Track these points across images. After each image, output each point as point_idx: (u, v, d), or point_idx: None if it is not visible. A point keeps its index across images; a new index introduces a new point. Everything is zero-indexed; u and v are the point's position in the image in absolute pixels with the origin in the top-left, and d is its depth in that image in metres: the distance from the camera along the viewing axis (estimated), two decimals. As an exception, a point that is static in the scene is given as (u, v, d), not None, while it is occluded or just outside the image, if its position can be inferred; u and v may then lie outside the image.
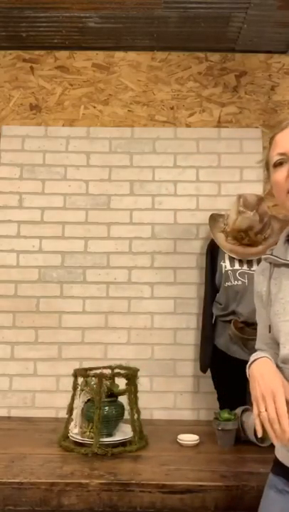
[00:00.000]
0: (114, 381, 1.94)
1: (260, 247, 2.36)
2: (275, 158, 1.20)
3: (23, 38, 2.70)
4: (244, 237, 2.34)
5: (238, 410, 1.98)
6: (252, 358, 1.24)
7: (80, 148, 2.76)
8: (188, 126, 2.78)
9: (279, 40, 2.69)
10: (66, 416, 1.95)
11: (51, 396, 2.59)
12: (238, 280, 2.36)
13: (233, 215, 2.37)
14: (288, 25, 2.54)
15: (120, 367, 2.01)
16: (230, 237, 2.39)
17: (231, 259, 2.40)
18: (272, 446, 1.27)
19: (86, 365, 2.28)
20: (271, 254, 1.27)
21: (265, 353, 1.23)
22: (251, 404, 1.72)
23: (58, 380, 2.61)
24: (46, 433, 2.10)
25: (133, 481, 1.54)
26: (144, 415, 2.03)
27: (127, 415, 1.93)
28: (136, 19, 2.52)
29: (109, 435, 1.89)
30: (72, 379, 1.97)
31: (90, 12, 2.46)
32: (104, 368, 2.00)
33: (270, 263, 1.27)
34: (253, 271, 2.35)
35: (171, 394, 2.60)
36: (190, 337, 2.63)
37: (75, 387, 1.94)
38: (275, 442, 1.08)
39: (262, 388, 1.10)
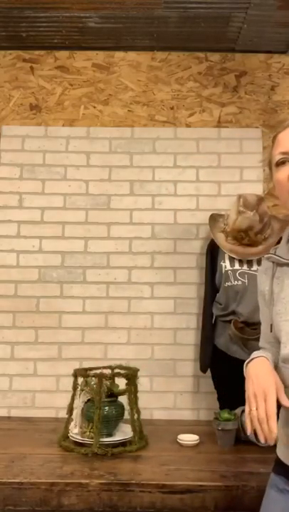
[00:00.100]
0: (114, 381, 1.94)
1: (260, 247, 2.36)
2: (277, 157, 1.20)
3: (23, 38, 2.70)
4: (244, 237, 2.34)
5: (238, 410, 1.98)
6: (250, 357, 1.25)
7: (80, 148, 2.76)
8: (188, 126, 2.78)
9: (279, 40, 2.69)
10: (66, 416, 1.95)
11: (51, 396, 2.59)
12: (238, 280, 2.36)
13: (233, 215, 2.37)
14: (288, 25, 2.54)
15: (120, 367, 2.01)
16: (230, 237, 2.39)
17: (231, 259, 2.40)
18: (272, 446, 1.27)
19: (86, 365, 2.28)
20: (274, 254, 1.27)
21: (263, 353, 1.24)
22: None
23: (58, 380, 2.61)
24: (46, 433, 2.10)
25: (133, 481, 1.54)
26: (144, 415, 2.03)
27: (127, 415, 1.93)
28: (136, 19, 2.52)
29: (109, 435, 1.89)
30: (72, 379, 1.97)
31: (90, 12, 2.46)
32: (105, 367, 2.00)
33: (273, 262, 1.27)
34: (253, 271, 2.35)
35: (171, 394, 2.60)
36: (190, 337, 2.63)
37: (75, 387, 1.94)
38: (263, 441, 1.10)
39: (255, 387, 1.12)
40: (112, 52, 2.81)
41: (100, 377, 1.87)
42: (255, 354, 1.24)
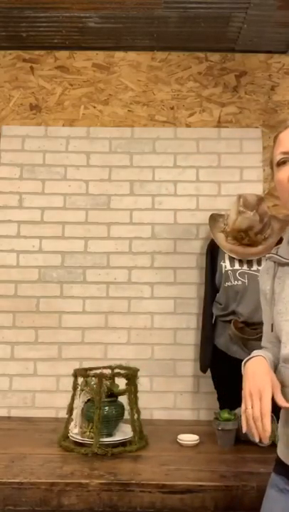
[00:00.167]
0: (114, 381, 1.94)
1: (260, 247, 2.36)
2: (278, 157, 1.20)
3: (23, 38, 2.70)
4: (244, 237, 2.34)
5: (238, 410, 1.98)
6: (249, 356, 1.25)
7: (80, 148, 2.76)
8: (188, 126, 2.78)
9: (279, 40, 2.69)
10: (66, 416, 1.95)
11: (51, 396, 2.59)
12: (238, 280, 2.36)
13: (233, 215, 2.37)
14: (288, 25, 2.54)
15: (120, 367, 2.01)
16: (230, 237, 2.39)
17: (231, 259, 2.40)
18: (272, 446, 1.27)
19: (86, 365, 2.28)
20: (276, 254, 1.27)
21: (262, 352, 1.24)
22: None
23: (58, 380, 2.61)
24: (46, 433, 2.10)
25: (133, 481, 1.54)
26: (144, 415, 2.03)
27: (127, 415, 1.93)
28: (136, 19, 2.52)
29: (109, 435, 1.89)
30: (72, 379, 1.97)
31: (90, 12, 2.46)
32: (104, 367, 2.00)
33: (275, 262, 1.27)
34: (253, 271, 2.35)
35: (171, 394, 2.60)
36: (190, 337, 2.63)
37: (75, 387, 1.94)
38: (257, 440, 1.11)
39: (251, 386, 1.13)
40: (112, 52, 2.81)
41: (100, 377, 1.87)
42: (253, 353, 1.25)
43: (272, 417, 1.87)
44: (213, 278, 2.47)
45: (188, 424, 2.34)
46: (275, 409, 1.25)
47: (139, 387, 1.97)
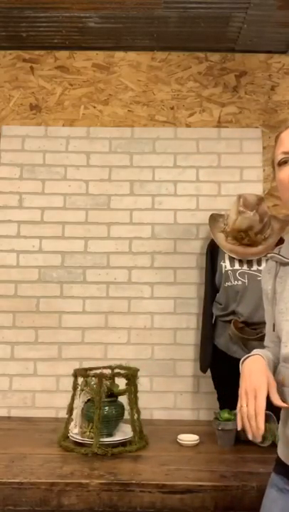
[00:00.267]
0: (114, 381, 1.94)
1: (260, 247, 2.36)
2: (279, 156, 1.21)
3: (23, 38, 2.70)
4: (244, 237, 2.34)
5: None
6: (247, 354, 1.26)
7: (80, 148, 2.76)
8: (188, 126, 2.78)
9: (279, 40, 2.69)
10: (66, 416, 1.95)
11: (51, 396, 2.59)
12: (238, 280, 2.36)
13: (233, 215, 2.37)
14: (288, 25, 2.54)
15: (120, 367, 2.01)
16: (230, 237, 2.39)
17: (231, 259, 2.40)
18: (272, 446, 1.27)
19: (86, 365, 2.28)
20: (278, 254, 1.28)
21: (260, 351, 1.25)
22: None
23: (58, 380, 2.61)
24: (46, 433, 2.10)
25: (133, 481, 1.54)
26: (144, 415, 2.03)
27: (127, 415, 1.93)
28: (136, 19, 2.52)
29: (109, 435, 1.89)
30: (72, 379, 1.97)
31: (90, 12, 2.46)
32: (105, 367, 2.00)
33: (276, 262, 1.28)
34: (253, 271, 2.35)
35: (171, 394, 2.60)
36: (190, 337, 2.63)
37: (75, 387, 1.94)
38: (251, 438, 1.13)
39: (247, 385, 1.15)
40: (112, 52, 2.81)
41: (100, 377, 1.87)
42: (252, 352, 1.25)
43: (272, 417, 1.88)
44: (213, 278, 2.47)
45: (188, 424, 2.34)
46: (275, 409, 1.26)
47: (139, 387, 1.97)
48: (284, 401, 1.15)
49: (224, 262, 2.42)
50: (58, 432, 1.99)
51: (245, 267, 2.38)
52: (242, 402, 1.14)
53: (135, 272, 2.68)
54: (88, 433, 1.86)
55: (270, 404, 1.13)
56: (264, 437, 1.89)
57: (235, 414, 1.92)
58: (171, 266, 2.68)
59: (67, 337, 2.64)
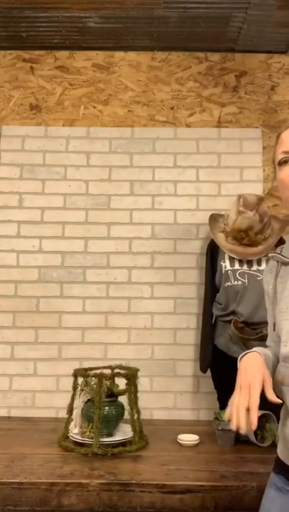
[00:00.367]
0: (114, 381, 1.94)
1: (260, 247, 2.36)
2: (280, 156, 1.21)
3: (23, 38, 2.70)
4: (244, 237, 2.34)
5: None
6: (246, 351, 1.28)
7: (80, 148, 2.76)
8: (188, 126, 2.78)
9: (279, 40, 2.68)
10: (66, 416, 1.95)
11: (51, 396, 2.59)
12: (238, 280, 2.36)
13: (233, 215, 2.37)
14: (288, 25, 2.54)
15: (120, 367, 2.01)
16: (230, 237, 2.39)
17: (231, 259, 2.40)
18: (272, 446, 1.27)
19: (86, 365, 2.28)
20: (279, 253, 1.28)
21: (259, 349, 1.26)
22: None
23: (58, 380, 2.61)
24: (46, 433, 2.10)
25: (133, 481, 1.54)
26: (144, 415, 2.03)
27: (127, 415, 1.93)
28: (136, 19, 2.52)
29: (109, 435, 1.89)
30: (72, 379, 1.97)
31: (90, 12, 2.46)
32: (105, 367, 2.00)
33: (278, 262, 1.28)
34: (253, 271, 2.35)
35: (171, 394, 2.60)
36: (190, 337, 2.63)
37: (75, 387, 1.94)
38: (234, 428, 1.14)
39: (242, 380, 1.16)
40: (112, 52, 2.81)
41: (100, 377, 1.87)
42: (251, 350, 1.26)
43: (272, 417, 1.88)
44: (213, 278, 2.47)
45: (188, 424, 2.34)
46: (275, 409, 1.26)
47: (139, 387, 1.97)
48: (283, 400, 1.16)
49: (224, 262, 2.42)
50: (58, 431, 1.99)
51: (245, 267, 2.38)
52: (236, 395, 1.15)
53: (135, 271, 2.68)
54: (88, 433, 1.86)
55: (270, 405, 1.13)
56: (264, 437, 1.89)
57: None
58: (171, 266, 2.68)
59: (67, 337, 2.64)
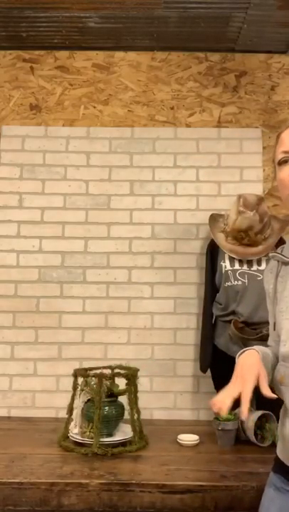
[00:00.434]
0: (114, 381, 1.94)
1: (260, 247, 2.36)
2: (279, 156, 1.22)
3: (23, 38, 2.70)
4: (244, 237, 2.34)
5: (238, 410, 1.98)
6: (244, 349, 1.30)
7: (80, 148, 2.76)
8: (188, 126, 2.78)
9: (279, 40, 2.68)
10: (66, 416, 1.95)
11: (51, 396, 2.59)
12: (238, 280, 2.36)
13: (233, 215, 2.37)
14: (288, 25, 2.54)
15: (120, 367, 2.01)
16: (230, 237, 2.39)
17: (231, 259, 2.40)
18: (272, 446, 1.27)
19: (86, 365, 2.28)
20: (280, 253, 1.28)
21: (257, 347, 1.27)
22: (251, 405, 1.73)
23: (58, 380, 2.61)
24: (46, 433, 2.10)
25: (133, 481, 1.54)
26: (144, 415, 2.03)
27: (127, 415, 1.93)
28: (136, 19, 2.52)
29: (109, 435, 1.89)
30: (72, 379, 1.97)
31: (90, 12, 2.46)
32: (105, 367, 2.00)
33: (278, 261, 1.28)
34: (253, 271, 2.35)
35: (171, 394, 2.60)
36: (190, 337, 2.63)
37: (75, 387, 1.94)
38: (215, 410, 1.16)
39: (238, 375, 1.19)
40: (112, 52, 2.81)
41: (100, 377, 1.88)
42: (250, 347, 1.28)
43: (272, 417, 1.88)
44: (213, 278, 2.47)
45: (188, 424, 2.34)
46: (274, 409, 1.26)
47: (139, 387, 1.97)
48: (282, 399, 1.16)
49: (224, 262, 2.42)
50: (58, 431, 1.99)
51: (245, 267, 2.38)
52: (228, 386, 1.18)
53: (135, 272, 2.68)
54: (88, 433, 1.86)
55: (270, 404, 1.14)
56: (264, 437, 1.90)
57: (235, 414, 1.93)
58: (171, 266, 2.68)
59: (67, 337, 2.64)
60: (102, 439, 1.81)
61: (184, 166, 2.74)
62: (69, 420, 1.94)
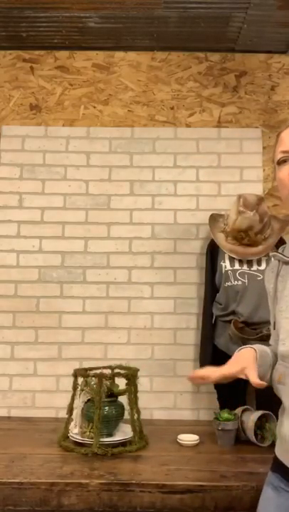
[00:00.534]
0: (114, 381, 1.94)
1: (260, 247, 2.36)
2: (279, 155, 1.22)
3: (23, 38, 2.70)
4: (244, 237, 2.34)
5: (238, 410, 1.98)
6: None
7: (80, 148, 2.76)
8: (188, 126, 2.78)
9: (279, 40, 2.69)
10: (66, 416, 1.95)
11: (51, 396, 2.59)
12: (238, 280, 2.36)
13: (233, 215, 2.37)
14: (288, 25, 2.54)
15: (120, 367, 2.00)
16: (230, 237, 2.39)
17: (231, 259, 2.40)
18: (272, 446, 1.27)
19: (86, 365, 2.28)
20: (281, 253, 1.29)
21: (256, 345, 1.28)
22: (251, 405, 1.74)
23: (58, 380, 2.61)
24: (46, 433, 2.10)
25: (133, 481, 1.54)
26: (144, 415, 2.03)
27: (127, 415, 1.93)
28: (136, 19, 2.52)
29: (109, 435, 1.89)
30: (72, 379, 1.97)
31: (90, 12, 2.46)
32: (105, 368, 2.00)
33: (279, 261, 1.29)
34: (253, 271, 2.35)
35: (171, 394, 2.60)
36: (190, 337, 2.63)
37: (75, 387, 1.94)
38: (190, 374, 1.28)
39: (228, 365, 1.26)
40: (112, 52, 2.81)
41: (100, 377, 1.87)
42: (248, 345, 1.31)
43: (272, 416, 1.88)
44: (213, 278, 2.47)
45: (188, 424, 2.34)
46: (274, 409, 1.26)
47: (139, 387, 1.97)
48: (280, 398, 1.17)
49: (224, 262, 2.42)
50: (58, 432, 1.99)
51: (245, 267, 2.38)
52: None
53: (135, 272, 2.68)
54: (88, 433, 1.85)
55: (270, 405, 1.14)
56: (264, 437, 1.89)
57: (235, 414, 1.93)
58: (171, 266, 2.68)
59: (67, 337, 2.64)
60: (102, 439, 1.81)
61: (183, 166, 2.74)
62: (69, 420, 1.93)
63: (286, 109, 2.78)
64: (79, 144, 2.76)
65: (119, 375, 1.94)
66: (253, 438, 1.89)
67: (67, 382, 2.08)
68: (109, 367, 2.00)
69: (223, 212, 2.56)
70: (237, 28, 2.58)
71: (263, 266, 2.35)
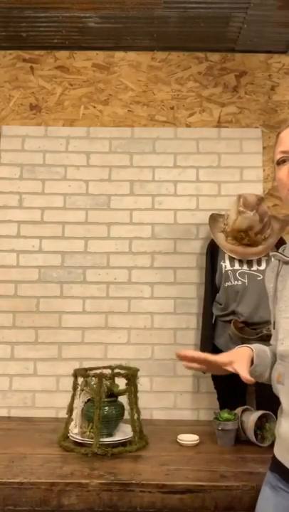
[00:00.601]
0: (114, 381, 1.94)
1: (260, 247, 2.36)
2: (278, 156, 1.22)
3: (23, 38, 2.70)
4: (244, 237, 2.34)
5: (238, 410, 1.98)
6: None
7: (80, 148, 2.76)
8: (188, 126, 2.78)
9: (279, 40, 2.69)
10: (66, 416, 1.95)
11: (51, 396, 2.59)
12: (238, 280, 2.36)
13: (233, 215, 2.37)
14: (288, 25, 2.54)
15: (120, 367, 2.00)
16: (230, 237, 2.39)
17: (231, 259, 2.40)
18: (272, 446, 1.27)
19: (86, 365, 2.28)
20: (281, 253, 1.29)
21: (254, 345, 1.29)
22: (251, 405, 1.74)
23: (58, 380, 2.61)
24: (46, 433, 2.10)
25: (133, 481, 1.54)
26: (144, 415, 2.03)
27: (127, 415, 1.93)
28: (136, 19, 2.52)
29: (109, 435, 1.89)
30: (72, 379, 1.97)
31: (90, 12, 2.46)
32: (105, 368, 2.00)
33: (279, 261, 1.29)
34: (253, 271, 2.35)
35: (171, 394, 2.60)
36: (190, 337, 2.63)
37: (75, 387, 1.94)
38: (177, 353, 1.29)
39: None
40: (112, 52, 2.81)
41: (100, 377, 1.87)
42: (247, 344, 1.32)
43: (272, 416, 1.88)
44: (213, 278, 2.47)
45: (188, 424, 2.34)
46: (274, 409, 1.26)
47: (139, 387, 1.96)
48: (279, 398, 1.17)
49: (224, 262, 2.42)
50: (58, 432, 1.99)
51: (245, 267, 2.38)
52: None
53: (135, 272, 2.68)
54: (88, 433, 1.85)
55: (270, 405, 1.14)
56: (264, 437, 1.89)
57: (235, 414, 1.93)
58: (171, 266, 2.68)
59: (67, 337, 2.64)
60: (102, 439, 1.81)
61: (183, 166, 2.74)
62: (69, 420, 1.93)
63: (286, 109, 2.78)
64: (79, 144, 2.77)
65: (119, 375, 1.94)
66: (253, 438, 1.89)
67: (67, 382, 2.08)
68: (109, 367, 2.00)
69: (223, 212, 2.56)
70: (237, 28, 2.58)
71: (263, 266, 2.35)
